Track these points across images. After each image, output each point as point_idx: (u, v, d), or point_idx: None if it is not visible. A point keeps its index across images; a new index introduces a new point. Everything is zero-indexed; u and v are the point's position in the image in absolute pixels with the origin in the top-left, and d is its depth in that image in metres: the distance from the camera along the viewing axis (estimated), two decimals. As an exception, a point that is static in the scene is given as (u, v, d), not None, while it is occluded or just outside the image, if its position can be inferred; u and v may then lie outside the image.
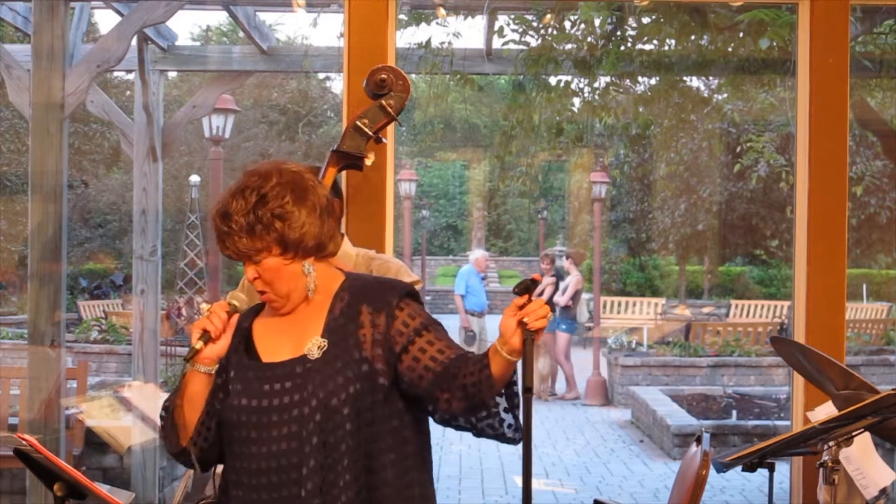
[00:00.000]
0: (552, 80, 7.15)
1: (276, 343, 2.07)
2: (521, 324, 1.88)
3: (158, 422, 2.09)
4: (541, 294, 11.33)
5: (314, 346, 2.03)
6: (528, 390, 1.87)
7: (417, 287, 2.71)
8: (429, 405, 2.04)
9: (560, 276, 12.13)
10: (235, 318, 2.05)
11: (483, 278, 12.43)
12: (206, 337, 2.00)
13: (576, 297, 11.95)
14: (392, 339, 2.03)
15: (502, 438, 2.04)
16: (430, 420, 2.11)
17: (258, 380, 2.02)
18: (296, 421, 1.97)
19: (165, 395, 2.10)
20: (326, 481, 1.97)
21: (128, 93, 15.43)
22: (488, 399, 1.95)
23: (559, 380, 11.86)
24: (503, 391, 1.99)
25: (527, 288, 1.89)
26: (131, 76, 8.57)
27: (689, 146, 15.13)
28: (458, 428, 2.08)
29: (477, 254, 12.36)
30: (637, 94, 7.73)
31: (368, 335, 2.03)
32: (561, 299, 11.69)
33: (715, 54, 6.81)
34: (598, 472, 8.01)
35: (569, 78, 7.14)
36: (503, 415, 2.01)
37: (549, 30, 6.78)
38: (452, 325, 12.06)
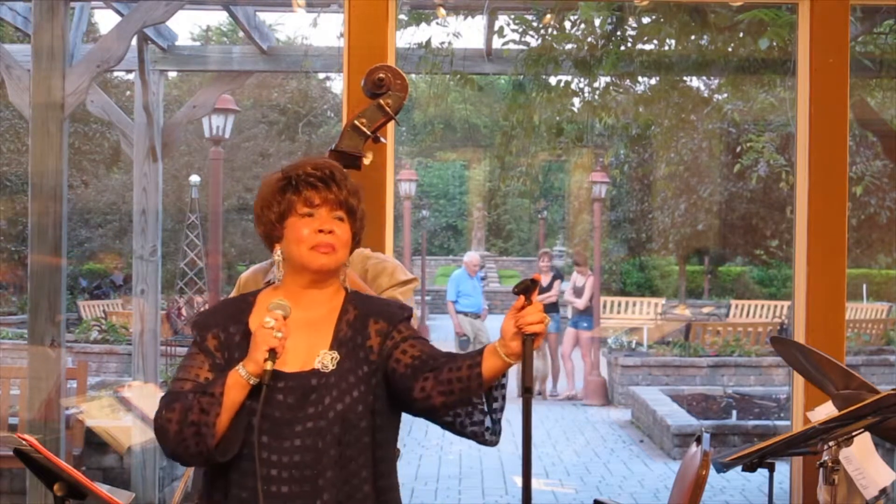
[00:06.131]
0: (552, 80, 7.15)
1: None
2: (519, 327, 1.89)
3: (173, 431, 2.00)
4: (548, 289, 11.36)
5: (326, 358, 2.04)
6: (527, 390, 1.86)
7: (415, 285, 2.71)
8: (406, 398, 2.03)
9: (559, 276, 12.12)
10: (289, 322, 2.02)
11: (483, 278, 12.39)
12: (275, 356, 1.96)
13: (591, 295, 11.99)
14: (389, 339, 2.06)
15: (479, 439, 2.04)
16: (412, 416, 2.12)
17: (269, 388, 1.98)
18: (310, 434, 1.97)
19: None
20: (342, 493, 1.98)
21: (128, 93, 15.42)
22: (473, 397, 1.96)
23: (562, 379, 11.86)
24: (486, 393, 1.98)
25: (526, 288, 1.89)
26: (131, 76, 8.58)
27: (689, 146, 15.12)
28: (440, 424, 2.07)
29: (467, 256, 12.34)
30: (637, 94, 7.73)
31: (376, 346, 2.06)
32: (580, 302, 11.72)
33: (715, 54, 6.81)
34: (598, 472, 8.01)
35: (569, 78, 7.14)
36: (482, 416, 2.00)
37: (549, 30, 6.78)
38: (450, 326, 12.08)
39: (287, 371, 2.01)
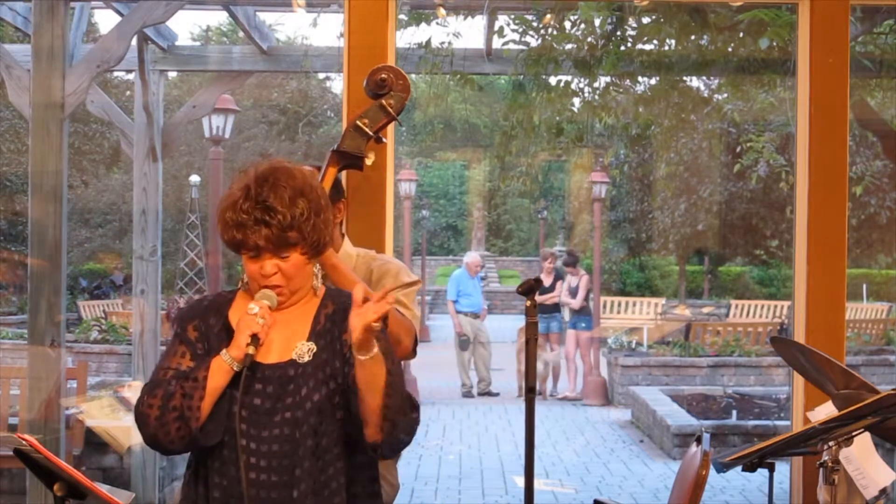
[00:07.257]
0: (552, 80, 7.14)
1: None
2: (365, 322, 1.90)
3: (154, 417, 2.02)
4: (551, 290, 11.38)
5: (303, 349, 2.07)
6: (531, 390, 1.88)
7: (417, 287, 2.72)
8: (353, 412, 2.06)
9: (561, 276, 12.12)
10: (274, 314, 2.06)
11: (483, 278, 12.39)
12: (257, 341, 2.01)
13: (587, 295, 11.99)
14: None
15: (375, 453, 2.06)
16: None
17: (248, 378, 2.02)
18: (288, 424, 2.01)
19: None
20: (318, 482, 2.01)
21: (128, 93, 15.41)
22: (352, 406, 1.99)
23: (565, 379, 11.86)
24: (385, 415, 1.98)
25: (530, 288, 1.91)
26: (131, 76, 8.57)
27: (689, 146, 15.13)
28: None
29: (469, 257, 12.37)
30: (637, 94, 7.73)
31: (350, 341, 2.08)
32: (574, 302, 11.72)
33: (715, 54, 6.81)
34: (598, 472, 8.01)
35: (569, 78, 7.14)
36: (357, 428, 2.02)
37: (549, 30, 6.78)
38: (451, 325, 12.08)
39: (266, 362, 2.05)
